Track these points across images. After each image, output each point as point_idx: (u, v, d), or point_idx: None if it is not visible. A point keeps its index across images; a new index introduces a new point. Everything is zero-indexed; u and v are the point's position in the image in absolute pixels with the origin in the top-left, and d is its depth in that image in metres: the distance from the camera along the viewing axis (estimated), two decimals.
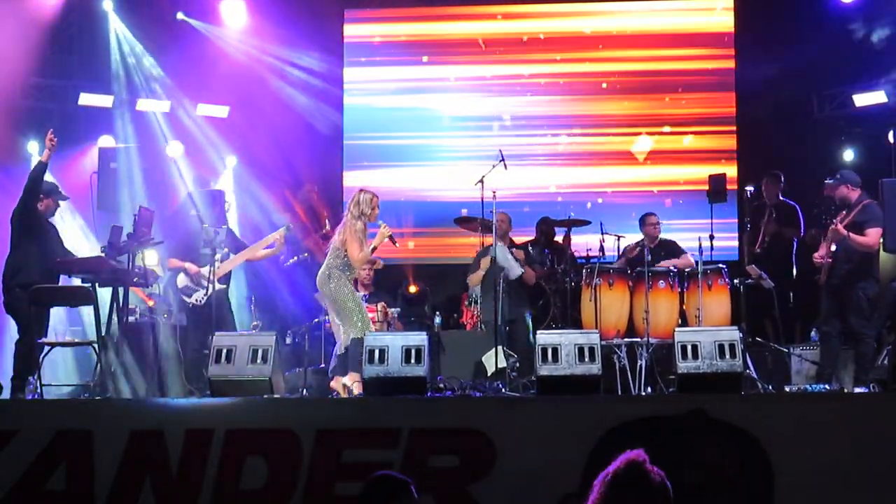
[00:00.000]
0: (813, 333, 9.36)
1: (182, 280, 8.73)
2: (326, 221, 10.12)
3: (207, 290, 8.56)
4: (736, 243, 10.80)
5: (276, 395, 7.18)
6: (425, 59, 12.51)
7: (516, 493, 6.14)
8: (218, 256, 8.68)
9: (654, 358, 8.33)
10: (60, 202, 8.53)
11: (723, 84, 12.11)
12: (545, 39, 12.38)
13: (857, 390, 7.82)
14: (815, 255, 8.53)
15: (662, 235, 9.73)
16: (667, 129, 12.16)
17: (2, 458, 6.51)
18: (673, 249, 9.52)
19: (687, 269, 9.00)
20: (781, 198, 9.98)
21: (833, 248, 8.32)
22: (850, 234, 8.18)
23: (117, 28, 11.98)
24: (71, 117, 11.93)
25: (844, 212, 8.41)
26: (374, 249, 8.19)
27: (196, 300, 8.59)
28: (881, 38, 10.69)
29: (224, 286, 8.78)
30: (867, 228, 8.25)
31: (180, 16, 12.15)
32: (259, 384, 7.09)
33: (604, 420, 6.30)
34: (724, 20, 12.16)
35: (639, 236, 9.81)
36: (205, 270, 8.65)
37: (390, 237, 8.21)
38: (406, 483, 4.12)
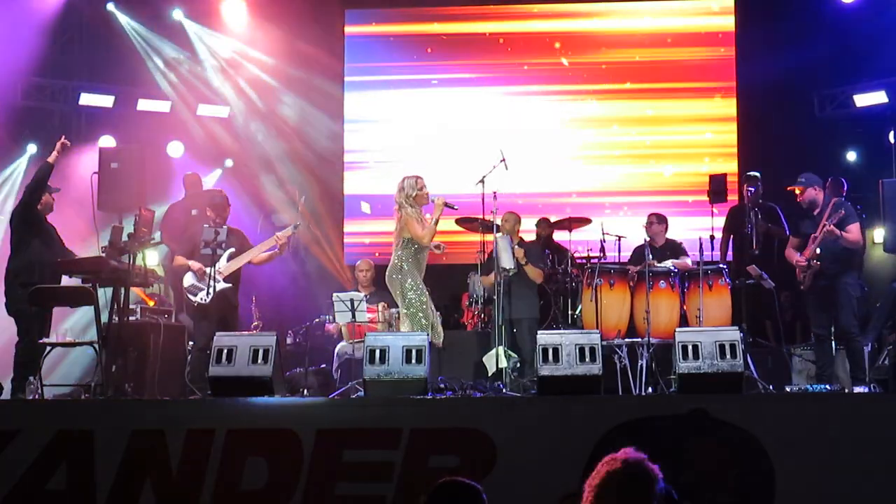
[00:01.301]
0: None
1: (188, 279, 8.74)
2: (302, 199, 10.09)
3: (211, 288, 8.57)
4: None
5: (276, 396, 7.18)
6: (426, 57, 12.52)
7: (516, 493, 6.13)
8: (224, 256, 8.70)
9: (654, 358, 8.32)
10: (53, 195, 8.52)
11: (723, 84, 12.11)
12: (546, 39, 12.38)
13: (856, 389, 7.81)
14: (799, 258, 8.44)
15: (669, 236, 9.71)
16: (667, 128, 12.16)
17: (2, 458, 6.51)
18: (677, 251, 9.49)
19: (687, 270, 9.00)
20: (760, 200, 9.99)
21: (818, 250, 8.24)
22: (843, 234, 8.12)
23: (133, 28, 11.96)
24: (71, 117, 11.95)
25: (816, 212, 8.37)
26: (436, 222, 8.02)
27: (201, 299, 8.61)
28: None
29: (230, 285, 8.78)
30: (847, 225, 8.20)
31: (178, 15, 12.14)
32: (260, 384, 7.09)
33: (604, 420, 6.30)
34: (724, 20, 12.17)
35: (639, 237, 9.79)
36: (211, 270, 8.67)
37: (447, 205, 8.04)
38: (478, 491, 3.70)
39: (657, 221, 9.56)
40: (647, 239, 9.36)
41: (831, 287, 8.22)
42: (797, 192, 8.46)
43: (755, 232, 9.15)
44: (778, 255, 9.84)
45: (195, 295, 8.64)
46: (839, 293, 8.20)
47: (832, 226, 8.09)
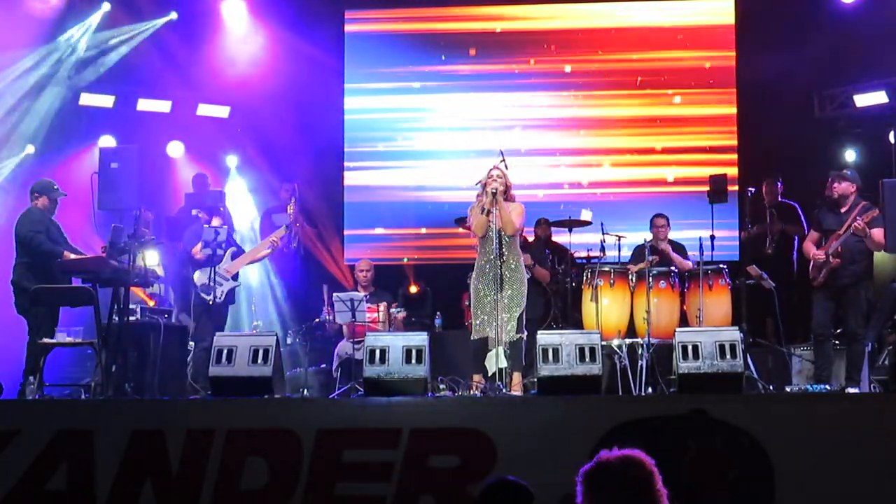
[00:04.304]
0: None
1: (200, 277, 8.77)
2: (291, 204, 10.08)
3: (221, 287, 8.61)
4: (737, 243, 10.79)
5: (276, 395, 7.18)
6: (425, 57, 12.51)
7: None
8: (228, 255, 8.74)
9: (654, 358, 8.32)
10: (59, 199, 8.58)
11: (723, 84, 12.11)
12: (546, 39, 12.38)
13: (850, 390, 7.80)
14: (817, 253, 8.39)
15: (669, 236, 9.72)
16: (667, 128, 12.16)
17: (2, 458, 6.51)
18: (678, 252, 9.49)
19: (687, 270, 9.01)
20: (780, 198, 9.96)
21: (839, 248, 8.19)
22: (872, 233, 8.02)
23: (92, 22, 11.88)
24: (71, 117, 11.93)
25: (844, 210, 8.32)
26: (486, 213, 7.91)
27: (219, 296, 8.66)
28: None
29: (239, 284, 8.87)
30: (875, 227, 8.14)
31: (175, 15, 12.13)
32: (260, 384, 7.09)
33: (605, 420, 6.30)
34: (725, 20, 12.16)
35: (639, 236, 9.78)
36: (220, 269, 8.70)
37: (496, 185, 7.87)
38: (529, 493, 3.70)
39: (665, 222, 9.57)
40: (648, 239, 9.36)
41: (848, 287, 8.17)
42: (836, 183, 8.35)
43: (769, 231, 9.13)
44: (799, 254, 9.80)
45: (208, 294, 8.68)
46: (854, 295, 8.16)
47: (863, 223, 8.00)
